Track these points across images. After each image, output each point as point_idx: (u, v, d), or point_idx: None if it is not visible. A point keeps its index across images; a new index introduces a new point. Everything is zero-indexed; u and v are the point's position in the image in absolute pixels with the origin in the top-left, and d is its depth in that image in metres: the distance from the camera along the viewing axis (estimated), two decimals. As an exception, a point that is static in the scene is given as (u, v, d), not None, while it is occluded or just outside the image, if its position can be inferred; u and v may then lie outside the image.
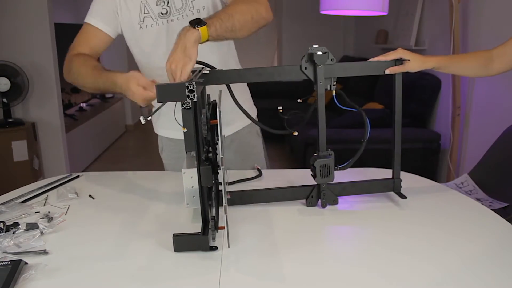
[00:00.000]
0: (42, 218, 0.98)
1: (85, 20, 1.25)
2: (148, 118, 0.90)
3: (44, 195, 1.13)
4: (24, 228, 0.92)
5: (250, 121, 1.43)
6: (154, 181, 1.28)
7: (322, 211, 1.05)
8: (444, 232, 0.92)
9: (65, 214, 1.02)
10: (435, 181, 1.28)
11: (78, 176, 1.29)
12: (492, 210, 1.04)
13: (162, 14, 1.22)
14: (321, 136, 1.00)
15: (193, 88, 0.77)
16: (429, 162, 2.97)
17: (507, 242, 0.89)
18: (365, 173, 1.34)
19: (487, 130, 2.56)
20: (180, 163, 1.39)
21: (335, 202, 1.05)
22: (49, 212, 1.02)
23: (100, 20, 1.24)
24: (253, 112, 1.47)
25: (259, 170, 1.32)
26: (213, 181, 0.83)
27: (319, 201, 1.05)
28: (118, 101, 5.21)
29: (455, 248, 0.85)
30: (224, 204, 0.81)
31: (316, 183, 1.04)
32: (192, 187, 0.89)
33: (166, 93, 0.79)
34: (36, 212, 1.02)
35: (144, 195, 1.17)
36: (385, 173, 1.32)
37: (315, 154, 1.02)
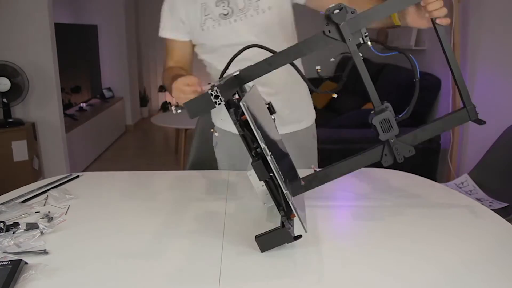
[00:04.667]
0: (42, 218, 0.98)
1: (160, 35, 1.30)
2: (179, 111, 0.91)
3: (44, 195, 1.13)
4: (24, 228, 0.92)
5: (308, 125, 1.45)
6: (154, 181, 1.28)
7: (319, 210, 1.05)
8: (444, 232, 0.92)
9: (65, 214, 1.02)
10: (435, 181, 1.28)
11: (78, 176, 1.29)
12: (492, 210, 1.04)
13: (223, 15, 1.22)
14: (371, 92, 0.95)
15: (217, 92, 0.79)
16: (429, 162, 2.97)
17: (507, 242, 0.89)
18: (365, 172, 1.34)
19: (487, 130, 2.55)
20: (233, 160, 1.40)
21: (411, 152, 0.99)
22: (49, 212, 1.02)
23: (173, 30, 1.27)
24: (312, 116, 1.48)
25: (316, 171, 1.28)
26: (272, 173, 0.81)
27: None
28: (118, 101, 5.21)
29: (455, 248, 0.85)
30: (285, 191, 0.79)
31: (383, 141, 0.98)
32: (263, 185, 0.88)
33: (195, 107, 0.82)
34: (36, 212, 1.02)
35: (144, 195, 1.17)
36: (386, 173, 1.32)
37: (372, 113, 0.97)
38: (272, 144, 0.88)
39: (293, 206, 0.79)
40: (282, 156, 0.97)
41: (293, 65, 0.98)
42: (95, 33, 4.98)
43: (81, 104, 4.51)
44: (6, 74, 2.93)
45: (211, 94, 0.80)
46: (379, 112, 0.95)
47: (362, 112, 3.25)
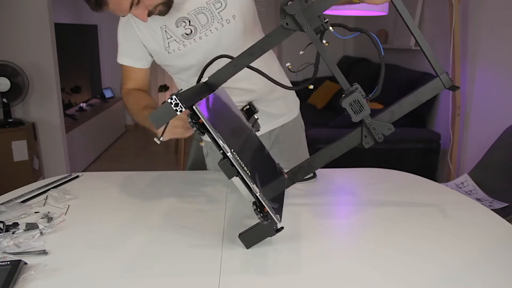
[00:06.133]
0: (42, 218, 0.98)
1: (117, 60, 1.29)
2: (161, 139, 0.93)
3: (44, 195, 1.13)
4: (24, 228, 0.92)
5: (295, 115, 1.45)
6: (154, 181, 1.28)
7: (321, 209, 1.05)
8: (444, 232, 0.92)
9: (65, 214, 1.02)
10: (435, 181, 1.28)
11: (78, 176, 1.29)
12: (492, 210, 1.04)
13: (186, 34, 1.18)
14: (338, 77, 0.95)
15: (177, 100, 0.79)
16: (429, 162, 2.97)
17: (507, 242, 0.89)
18: (365, 173, 1.34)
19: (487, 130, 2.56)
20: None
21: (391, 129, 0.98)
22: (48, 212, 1.02)
23: (129, 58, 1.26)
24: (297, 104, 1.47)
25: (314, 173, 1.27)
26: (245, 170, 0.82)
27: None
28: (118, 101, 5.21)
29: (455, 248, 0.85)
30: (251, 185, 0.81)
31: (361, 124, 0.98)
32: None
33: (159, 117, 0.82)
34: (35, 212, 1.02)
35: (144, 195, 1.17)
36: (385, 173, 1.33)
37: (342, 96, 0.97)
38: (238, 141, 0.90)
39: (262, 199, 0.80)
40: (255, 152, 0.98)
41: (251, 68, 0.98)
42: (95, 33, 4.99)
43: (81, 104, 4.52)
44: (6, 74, 2.93)
45: (171, 103, 0.80)
46: (348, 94, 0.95)
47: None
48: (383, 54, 0.94)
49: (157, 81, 6.07)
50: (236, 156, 0.80)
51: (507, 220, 0.98)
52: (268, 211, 0.82)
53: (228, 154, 0.80)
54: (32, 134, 3.13)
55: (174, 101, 0.80)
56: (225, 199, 1.11)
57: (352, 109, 0.95)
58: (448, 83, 0.96)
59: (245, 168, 0.81)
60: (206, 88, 0.96)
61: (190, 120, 0.83)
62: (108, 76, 5.27)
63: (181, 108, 0.80)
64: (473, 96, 2.74)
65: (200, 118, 0.80)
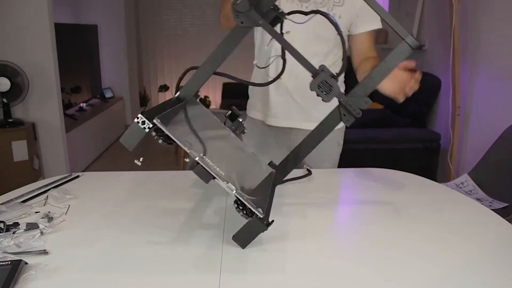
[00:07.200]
0: (42, 218, 0.98)
1: None
2: (141, 159, 0.94)
3: (44, 195, 1.13)
4: (24, 228, 0.92)
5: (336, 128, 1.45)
6: (154, 181, 1.28)
7: (321, 209, 1.05)
8: (444, 232, 0.92)
9: (65, 214, 1.02)
10: (435, 181, 1.28)
11: (78, 176, 1.29)
12: (492, 210, 1.04)
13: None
14: (301, 62, 0.95)
15: (143, 118, 0.81)
16: (429, 162, 2.97)
17: (507, 242, 0.89)
18: (365, 173, 1.34)
19: (487, 130, 2.56)
20: (262, 152, 1.43)
21: (367, 103, 0.98)
22: (49, 212, 1.02)
23: None
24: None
25: (308, 170, 1.27)
26: (218, 170, 0.83)
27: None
28: (118, 101, 5.21)
29: (455, 248, 0.85)
30: (226, 184, 0.81)
31: (337, 104, 0.98)
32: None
33: (130, 139, 0.84)
34: (36, 212, 1.02)
35: (144, 194, 1.17)
36: (385, 173, 1.33)
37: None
38: (212, 145, 0.93)
39: (239, 196, 0.81)
40: (234, 153, 1.02)
41: (218, 73, 1.00)
42: (95, 33, 4.98)
43: (81, 104, 4.51)
44: (6, 74, 2.93)
45: (138, 122, 0.81)
46: (314, 76, 0.95)
47: (362, 112, 3.24)
48: (341, 31, 0.97)
49: (157, 81, 6.08)
50: (207, 160, 0.82)
51: (507, 220, 0.98)
52: (250, 207, 0.82)
53: (196, 159, 0.81)
54: (32, 134, 3.12)
55: (140, 119, 0.81)
56: (225, 199, 1.11)
57: (322, 90, 0.95)
58: (414, 44, 0.96)
59: (218, 169, 0.82)
60: (176, 101, 0.98)
61: (155, 134, 0.85)
62: (108, 76, 5.27)
63: (149, 125, 0.81)
64: (473, 96, 2.74)
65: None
